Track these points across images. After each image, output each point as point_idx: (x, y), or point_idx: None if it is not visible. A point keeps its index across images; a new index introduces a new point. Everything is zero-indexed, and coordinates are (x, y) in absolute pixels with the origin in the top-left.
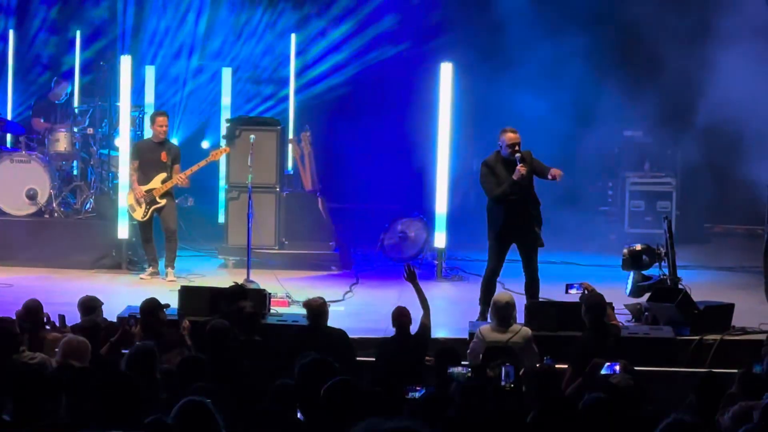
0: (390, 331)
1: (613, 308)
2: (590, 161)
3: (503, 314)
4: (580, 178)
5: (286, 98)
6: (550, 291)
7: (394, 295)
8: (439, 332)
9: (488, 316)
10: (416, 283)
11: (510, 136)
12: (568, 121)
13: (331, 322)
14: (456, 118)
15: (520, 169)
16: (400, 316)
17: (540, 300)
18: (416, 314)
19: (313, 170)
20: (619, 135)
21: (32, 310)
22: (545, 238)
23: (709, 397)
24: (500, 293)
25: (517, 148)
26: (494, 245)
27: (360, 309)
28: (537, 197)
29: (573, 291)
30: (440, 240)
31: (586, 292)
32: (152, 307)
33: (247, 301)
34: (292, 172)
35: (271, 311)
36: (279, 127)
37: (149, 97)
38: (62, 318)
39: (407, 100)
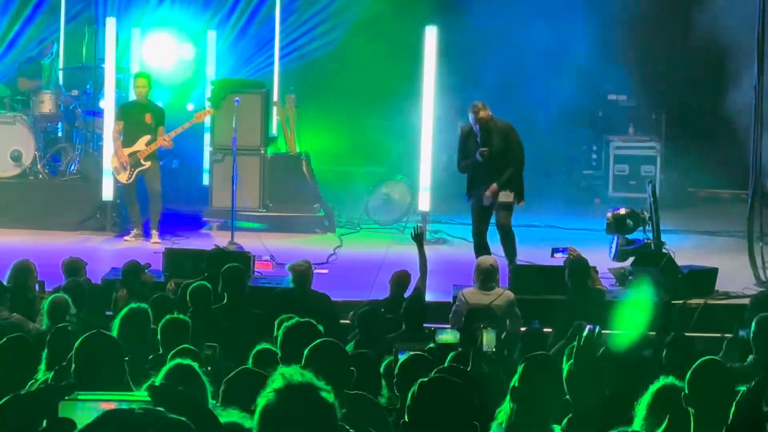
0: (375, 294)
1: (597, 272)
2: (574, 125)
3: (486, 277)
4: (564, 142)
5: (271, 61)
6: (535, 255)
7: (378, 258)
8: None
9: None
10: (422, 245)
11: (473, 117)
12: (552, 84)
13: (315, 285)
14: (440, 80)
15: (482, 152)
16: (400, 279)
17: (524, 264)
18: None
19: (296, 133)
20: (604, 99)
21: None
22: (530, 200)
23: (678, 359)
24: (484, 256)
25: (479, 131)
26: (471, 207)
27: (344, 272)
28: (511, 160)
29: (558, 255)
30: (425, 203)
31: (571, 256)
32: (133, 268)
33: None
34: (276, 135)
35: (255, 274)
36: (264, 90)
37: (135, 59)
38: (42, 284)
39: (392, 62)
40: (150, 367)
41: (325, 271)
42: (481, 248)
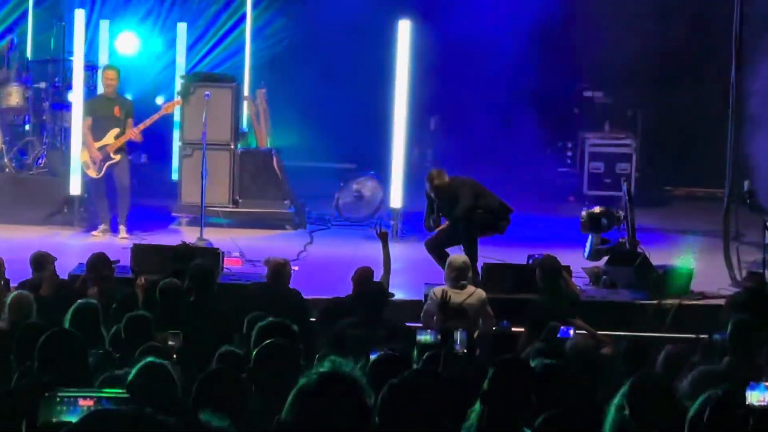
0: (344, 292)
1: (570, 272)
2: (549, 122)
3: (458, 275)
4: (538, 138)
5: (241, 55)
6: (509, 254)
7: (348, 255)
8: (395, 293)
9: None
10: (386, 243)
11: (429, 186)
12: (526, 80)
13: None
14: (414, 74)
15: (436, 225)
16: (362, 276)
17: (497, 262)
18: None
19: (268, 128)
20: (579, 95)
21: None
22: (502, 197)
23: (636, 364)
24: (455, 254)
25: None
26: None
27: (314, 270)
28: (467, 214)
29: None
30: (396, 199)
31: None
32: (98, 262)
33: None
34: (246, 130)
35: (224, 270)
36: (234, 84)
37: (103, 52)
38: (7, 282)
39: (365, 56)
40: (114, 365)
41: (296, 268)
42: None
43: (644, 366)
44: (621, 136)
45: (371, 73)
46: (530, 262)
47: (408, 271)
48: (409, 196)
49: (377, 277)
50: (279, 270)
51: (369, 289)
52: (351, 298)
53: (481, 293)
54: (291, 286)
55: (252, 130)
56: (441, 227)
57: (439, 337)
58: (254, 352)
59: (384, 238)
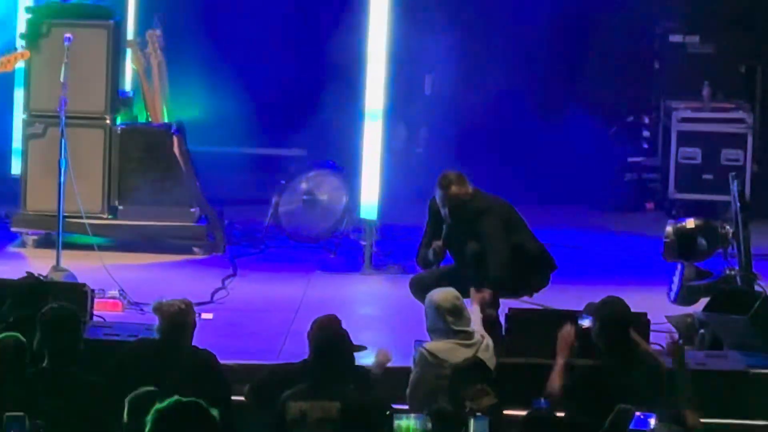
0: (285, 354)
1: (647, 324)
2: (613, 83)
3: (455, 316)
4: (597, 111)
5: None
6: (553, 295)
7: (295, 294)
8: (366, 357)
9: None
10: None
11: (441, 195)
12: (574, 15)
13: (196, 338)
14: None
15: (435, 248)
16: (324, 330)
17: (532, 307)
18: (358, 331)
19: (165, 91)
20: (663, 41)
21: None
22: (544, 205)
23: None
24: (440, 290)
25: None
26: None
27: (239, 319)
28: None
29: (587, 324)
30: (369, 207)
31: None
32: None
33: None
34: (131, 94)
35: (95, 319)
36: (111, 22)
37: None
38: None
39: None
40: None
41: (210, 315)
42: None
43: None
44: (728, 106)
45: (330, 6)
46: (578, 323)
47: (387, 322)
48: (390, 200)
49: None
50: (178, 319)
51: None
52: (307, 366)
53: (490, 342)
54: (204, 344)
55: (140, 95)
56: (444, 268)
57: (429, 425)
58: None
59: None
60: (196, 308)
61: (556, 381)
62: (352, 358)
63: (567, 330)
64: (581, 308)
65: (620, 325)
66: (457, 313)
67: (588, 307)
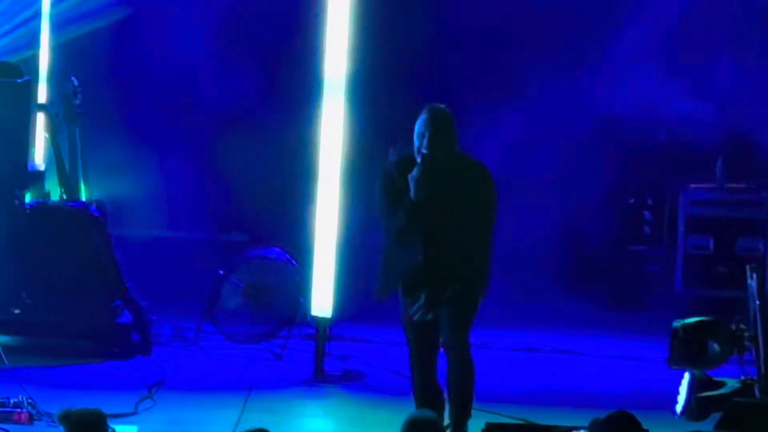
0: None
1: None
2: (614, 159)
3: None
4: (593, 189)
5: (36, 29)
6: (544, 412)
7: (233, 405)
8: None
9: None
10: None
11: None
12: (574, 82)
13: None
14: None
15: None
16: None
17: (517, 422)
18: None
19: (83, 165)
20: (671, 108)
21: None
22: (527, 302)
23: None
24: (420, 412)
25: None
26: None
27: None
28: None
29: None
30: (323, 299)
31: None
32: None
33: None
34: (43, 168)
35: None
36: (20, 83)
37: None
38: None
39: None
40: None
41: (133, 429)
42: (427, 393)
43: None
44: (746, 186)
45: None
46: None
47: None
48: (348, 293)
49: None
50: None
51: None
52: None
53: None
54: None
55: (55, 166)
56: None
57: None
58: None
59: None
60: (116, 420)
61: None
62: None
63: None
64: (577, 425)
65: None
66: None
67: (593, 424)
